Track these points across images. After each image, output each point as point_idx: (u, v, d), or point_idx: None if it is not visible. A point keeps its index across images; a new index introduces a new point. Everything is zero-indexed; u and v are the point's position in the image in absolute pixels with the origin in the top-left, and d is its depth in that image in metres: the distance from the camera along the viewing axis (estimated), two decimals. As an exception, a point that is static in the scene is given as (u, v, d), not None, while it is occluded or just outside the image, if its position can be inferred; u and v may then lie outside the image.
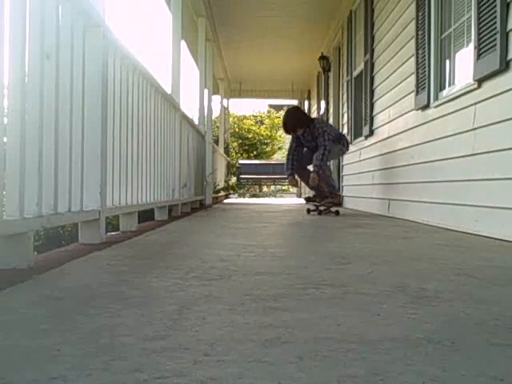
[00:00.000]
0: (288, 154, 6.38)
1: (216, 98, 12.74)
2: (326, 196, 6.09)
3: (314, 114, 13.14)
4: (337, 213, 5.91)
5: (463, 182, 3.87)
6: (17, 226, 1.84)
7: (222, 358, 0.94)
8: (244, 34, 10.07)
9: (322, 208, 6.05)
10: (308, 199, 6.47)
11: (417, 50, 4.89)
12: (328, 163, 6.40)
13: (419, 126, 4.92)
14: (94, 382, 0.83)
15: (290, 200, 13.63)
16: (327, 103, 10.60)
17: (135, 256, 2.42)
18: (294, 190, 18.17)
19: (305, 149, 6.27)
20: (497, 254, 2.66)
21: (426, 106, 4.67)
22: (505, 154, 3.22)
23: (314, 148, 6.07)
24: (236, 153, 21.85)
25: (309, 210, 6.15)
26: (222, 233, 3.72)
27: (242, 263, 2.16)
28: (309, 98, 14.06)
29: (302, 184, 6.94)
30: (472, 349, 1.03)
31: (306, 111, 14.61)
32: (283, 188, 21.44)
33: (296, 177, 6.39)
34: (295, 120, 6.19)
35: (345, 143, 6.40)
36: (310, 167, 6.17)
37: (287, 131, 6.27)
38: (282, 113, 22.51)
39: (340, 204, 6.47)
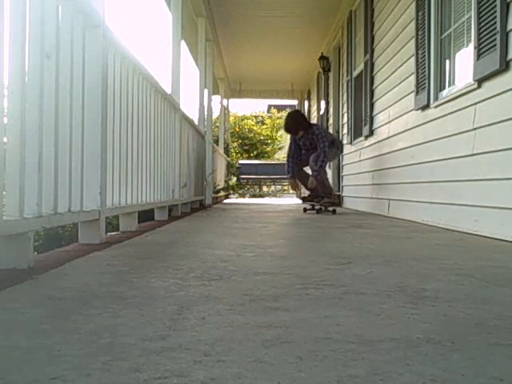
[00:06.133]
0: (288, 157, 6.82)
1: (216, 98, 12.74)
2: (322, 196, 6.46)
3: (313, 114, 13.15)
4: (333, 211, 6.30)
5: (463, 182, 3.87)
6: (17, 226, 1.84)
7: (222, 358, 0.94)
8: (244, 33, 10.07)
9: (317, 207, 6.43)
10: (304, 199, 6.89)
11: (417, 50, 4.89)
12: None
13: (419, 126, 4.92)
14: (93, 382, 0.83)
15: (290, 200, 13.63)
16: (327, 103, 10.60)
17: (135, 256, 2.42)
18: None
19: (303, 151, 6.68)
20: (497, 254, 2.66)
21: (426, 106, 4.67)
22: (505, 154, 3.21)
23: (310, 149, 6.53)
24: (236, 153, 21.83)
25: (305, 209, 6.59)
26: (222, 233, 3.71)
27: (242, 263, 2.16)
28: (309, 98, 14.06)
29: (300, 185, 7.22)
30: (472, 349, 1.02)
31: (306, 112, 14.70)
32: (283, 188, 21.45)
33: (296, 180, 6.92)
34: (297, 123, 6.61)
35: (339, 147, 6.95)
36: (308, 169, 6.60)
37: (289, 132, 6.68)
38: (284, 113, 22.61)
39: (336, 203, 7.10)
